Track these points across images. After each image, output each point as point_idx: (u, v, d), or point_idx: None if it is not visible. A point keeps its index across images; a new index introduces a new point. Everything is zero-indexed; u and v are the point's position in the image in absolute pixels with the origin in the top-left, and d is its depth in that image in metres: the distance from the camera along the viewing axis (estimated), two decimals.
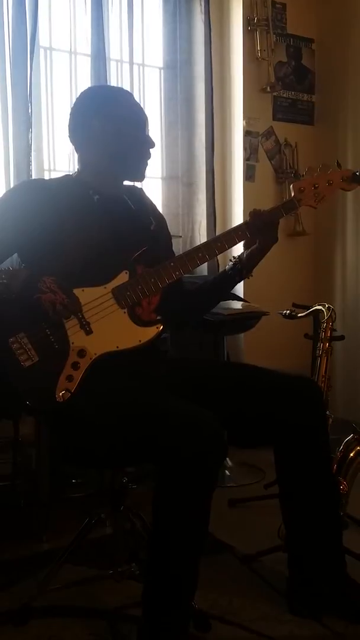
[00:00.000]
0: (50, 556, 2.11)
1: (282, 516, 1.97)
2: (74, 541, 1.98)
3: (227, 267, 1.98)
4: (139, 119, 1.91)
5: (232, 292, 3.23)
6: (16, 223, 1.81)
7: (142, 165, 1.92)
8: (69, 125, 1.93)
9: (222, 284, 2.04)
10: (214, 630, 1.80)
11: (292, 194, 1.91)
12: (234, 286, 2.04)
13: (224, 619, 1.86)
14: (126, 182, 2.01)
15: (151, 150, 1.93)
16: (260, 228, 1.87)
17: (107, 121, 1.86)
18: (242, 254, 1.94)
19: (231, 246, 1.88)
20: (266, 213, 1.88)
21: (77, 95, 1.98)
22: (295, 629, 1.83)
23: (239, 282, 2.01)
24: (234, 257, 1.96)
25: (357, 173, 1.90)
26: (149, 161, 1.94)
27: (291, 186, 1.93)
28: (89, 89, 2.01)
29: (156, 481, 1.60)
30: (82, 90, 2.01)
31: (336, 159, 1.95)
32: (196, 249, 1.85)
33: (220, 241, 1.86)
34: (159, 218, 2.07)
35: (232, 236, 1.87)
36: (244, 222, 1.89)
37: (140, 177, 1.96)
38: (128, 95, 2.00)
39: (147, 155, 1.92)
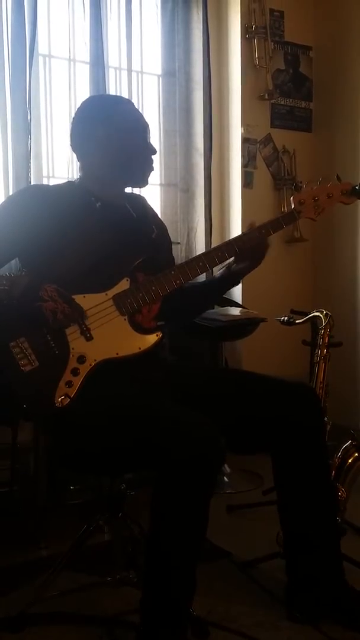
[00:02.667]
0: (48, 563, 2.11)
1: (280, 522, 1.97)
2: (72, 548, 1.98)
3: (217, 275, 1.99)
4: (140, 126, 1.92)
5: (230, 298, 3.26)
6: (18, 227, 1.82)
7: (145, 171, 1.94)
8: (70, 134, 1.94)
9: (208, 293, 2.07)
10: (211, 636, 1.80)
11: (292, 206, 1.92)
12: (221, 296, 2.06)
13: (221, 626, 1.85)
14: (128, 189, 2.02)
15: (152, 157, 1.94)
16: (255, 250, 1.88)
17: (109, 129, 1.87)
18: (231, 265, 1.94)
19: (232, 256, 1.89)
20: (262, 235, 1.88)
21: (76, 102, 2.00)
22: (293, 636, 1.83)
23: (226, 292, 2.03)
24: (221, 269, 1.96)
25: (357, 187, 1.91)
26: (152, 166, 1.95)
27: (291, 198, 1.94)
28: (90, 97, 2.04)
29: (154, 487, 1.61)
30: (82, 97, 2.03)
31: (334, 169, 1.97)
32: (197, 258, 1.86)
33: (222, 250, 1.87)
34: (161, 226, 2.09)
35: (233, 246, 1.88)
36: (242, 233, 1.90)
37: (143, 183, 1.98)
38: (129, 103, 2.02)
39: (150, 162, 1.93)
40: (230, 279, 1.99)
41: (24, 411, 1.72)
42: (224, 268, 1.96)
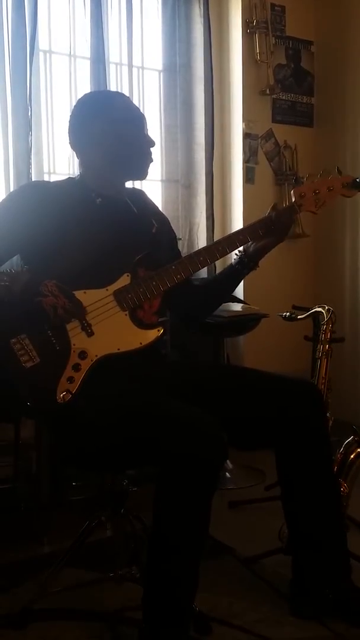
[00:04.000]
0: (51, 559, 2.10)
1: (285, 518, 1.97)
2: (74, 544, 1.97)
3: (233, 261, 1.98)
4: (136, 119, 1.91)
5: (232, 293, 3.25)
6: (19, 224, 1.81)
7: (144, 164, 1.93)
8: (68, 132, 1.93)
9: (229, 279, 2.05)
10: (214, 632, 1.80)
11: (293, 199, 1.92)
12: (242, 279, 2.05)
13: (224, 622, 1.85)
14: (128, 183, 2.02)
15: (151, 149, 1.93)
16: (283, 226, 1.89)
17: (106, 124, 1.86)
18: (248, 247, 1.93)
19: (232, 250, 1.89)
20: (286, 214, 1.90)
21: (77, 98, 1.99)
22: (297, 631, 1.83)
23: (247, 274, 2.01)
24: (239, 251, 1.96)
25: (358, 180, 1.91)
26: (151, 157, 1.94)
27: (292, 191, 1.94)
28: (86, 95, 2.03)
29: (157, 483, 1.60)
30: (82, 93, 2.03)
31: (336, 164, 1.96)
32: (197, 253, 1.86)
33: (222, 245, 1.87)
34: (162, 219, 2.08)
35: (234, 240, 1.88)
36: (255, 222, 1.89)
37: (143, 176, 1.97)
38: (124, 97, 2.02)
39: (149, 154, 1.93)
40: (251, 260, 1.95)
41: (26, 408, 1.72)
42: (240, 253, 1.95)
